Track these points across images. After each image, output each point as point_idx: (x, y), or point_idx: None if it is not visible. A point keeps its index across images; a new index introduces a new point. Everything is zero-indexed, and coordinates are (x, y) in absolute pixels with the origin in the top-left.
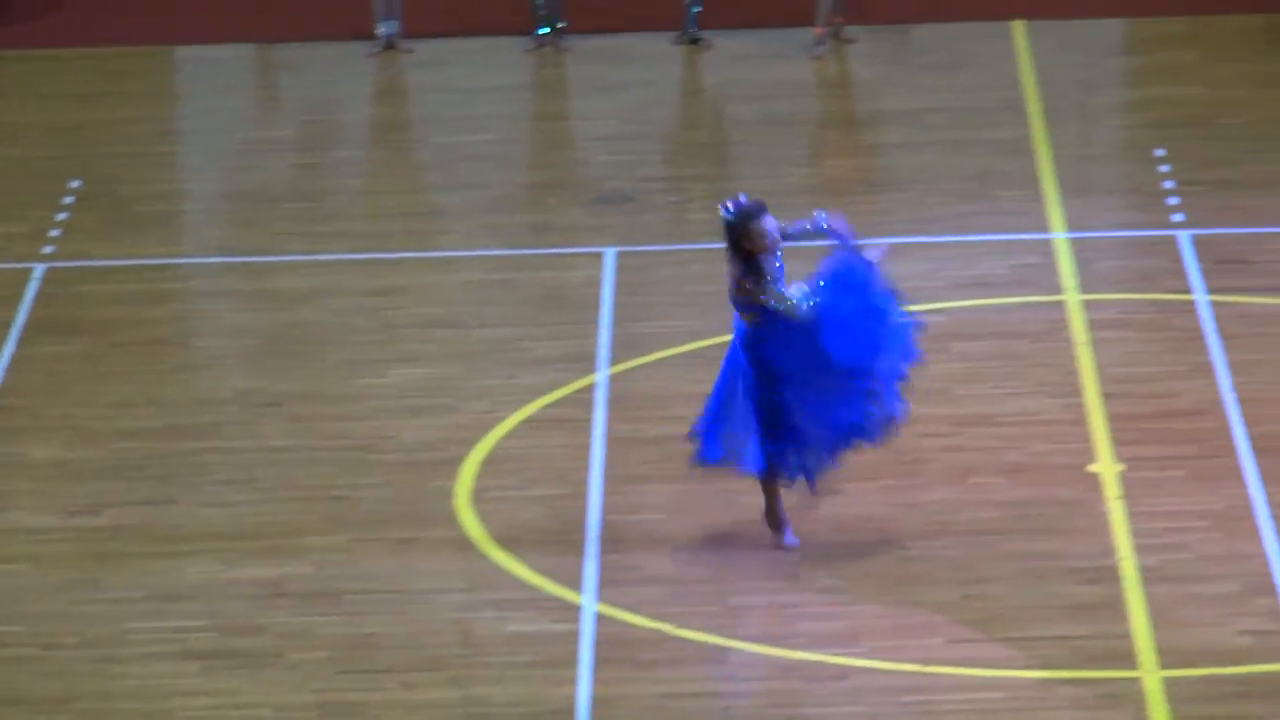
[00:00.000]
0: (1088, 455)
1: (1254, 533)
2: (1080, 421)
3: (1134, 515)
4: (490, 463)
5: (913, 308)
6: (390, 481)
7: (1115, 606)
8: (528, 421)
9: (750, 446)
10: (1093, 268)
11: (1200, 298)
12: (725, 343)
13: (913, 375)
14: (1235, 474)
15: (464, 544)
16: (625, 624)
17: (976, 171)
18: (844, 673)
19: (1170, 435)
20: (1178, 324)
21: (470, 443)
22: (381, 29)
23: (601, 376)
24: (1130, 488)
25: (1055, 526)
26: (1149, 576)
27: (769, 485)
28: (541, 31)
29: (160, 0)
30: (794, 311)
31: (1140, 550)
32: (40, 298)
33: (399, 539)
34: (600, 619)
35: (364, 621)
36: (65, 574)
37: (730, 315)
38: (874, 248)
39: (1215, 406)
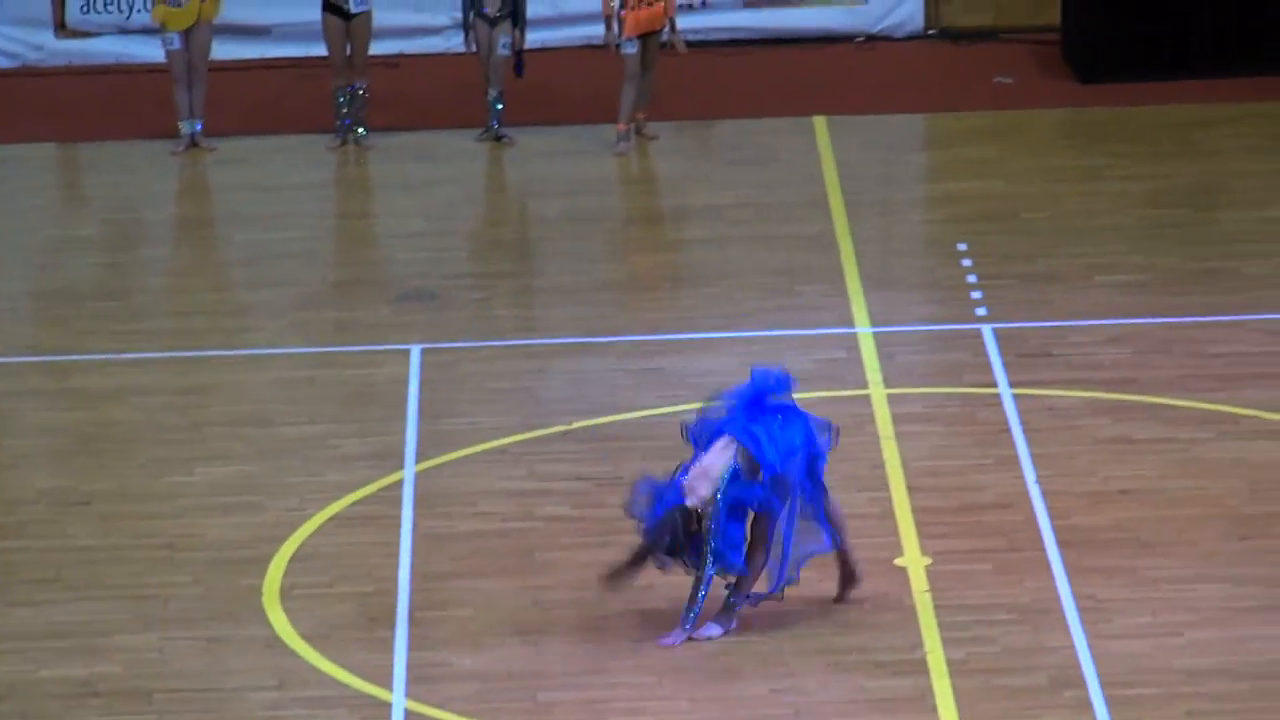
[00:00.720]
0: (895, 549)
1: (1061, 625)
2: (887, 515)
3: (941, 608)
4: (299, 560)
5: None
6: (199, 580)
7: (924, 699)
8: (335, 519)
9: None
10: (897, 362)
11: (1004, 391)
12: (530, 439)
13: None
14: (1042, 566)
15: (273, 642)
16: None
17: (781, 266)
18: None
19: (977, 528)
20: (982, 417)
21: (279, 540)
22: (185, 127)
23: (409, 473)
24: (937, 581)
25: (863, 620)
26: (957, 669)
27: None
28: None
29: None
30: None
31: (948, 643)
32: None
33: (209, 637)
34: (410, 716)
35: None
36: None
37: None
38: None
39: (1021, 499)
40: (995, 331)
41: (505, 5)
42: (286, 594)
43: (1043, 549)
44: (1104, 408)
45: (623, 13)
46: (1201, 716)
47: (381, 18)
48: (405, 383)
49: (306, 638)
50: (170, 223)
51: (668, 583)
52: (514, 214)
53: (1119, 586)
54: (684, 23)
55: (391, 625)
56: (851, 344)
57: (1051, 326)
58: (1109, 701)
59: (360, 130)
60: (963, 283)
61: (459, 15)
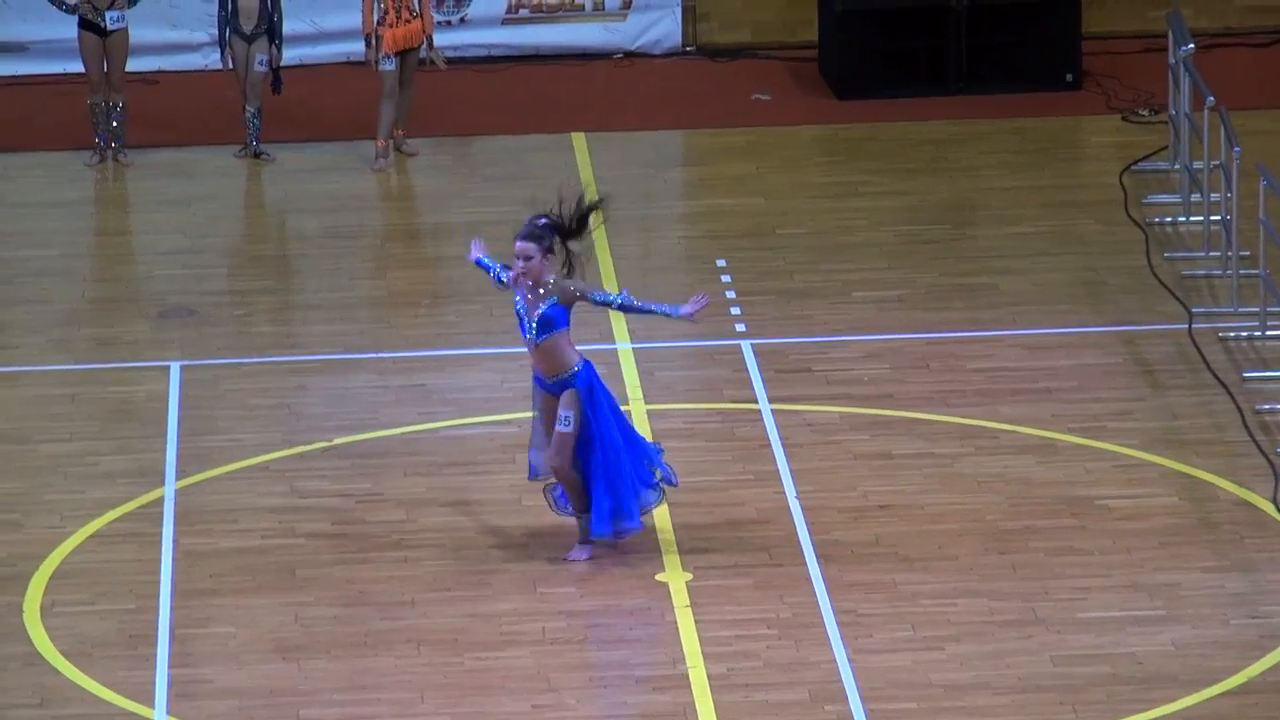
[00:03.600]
0: (656, 564)
1: (822, 640)
2: (648, 530)
3: (702, 623)
4: (59, 577)
5: (480, 419)
6: None
7: (686, 715)
8: (96, 536)
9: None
10: (656, 377)
11: (764, 406)
12: (292, 455)
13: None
14: (803, 581)
15: (34, 659)
16: None
17: None
18: None
19: (737, 543)
20: (742, 433)
21: (38, 558)
22: None
23: (169, 490)
24: (698, 596)
25: (624, 636)
26: (718, 684)
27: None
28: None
29: None
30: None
31: (709, 658)
32: None
33: None
34: None
35: None
36: None
37: None
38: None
39: (781, 514)
40: (754, 347)
41: (262, 22)
42: (47, 611)
43: (804, 563)
44: (863, 423)
45: (381, 29)
46: None
47: (139, 34)
48: (165, 399)
49: (68, 655)
50: None
51: (426, 600)
52: (273, 230)
53: (879, 601)
54: (443, 39)
55: (153, 642)
56: (611, 359)
57: (810, 342)
58: (870, 716)
59: (118, 146)
60: (722, 298)
61: (215, 32)
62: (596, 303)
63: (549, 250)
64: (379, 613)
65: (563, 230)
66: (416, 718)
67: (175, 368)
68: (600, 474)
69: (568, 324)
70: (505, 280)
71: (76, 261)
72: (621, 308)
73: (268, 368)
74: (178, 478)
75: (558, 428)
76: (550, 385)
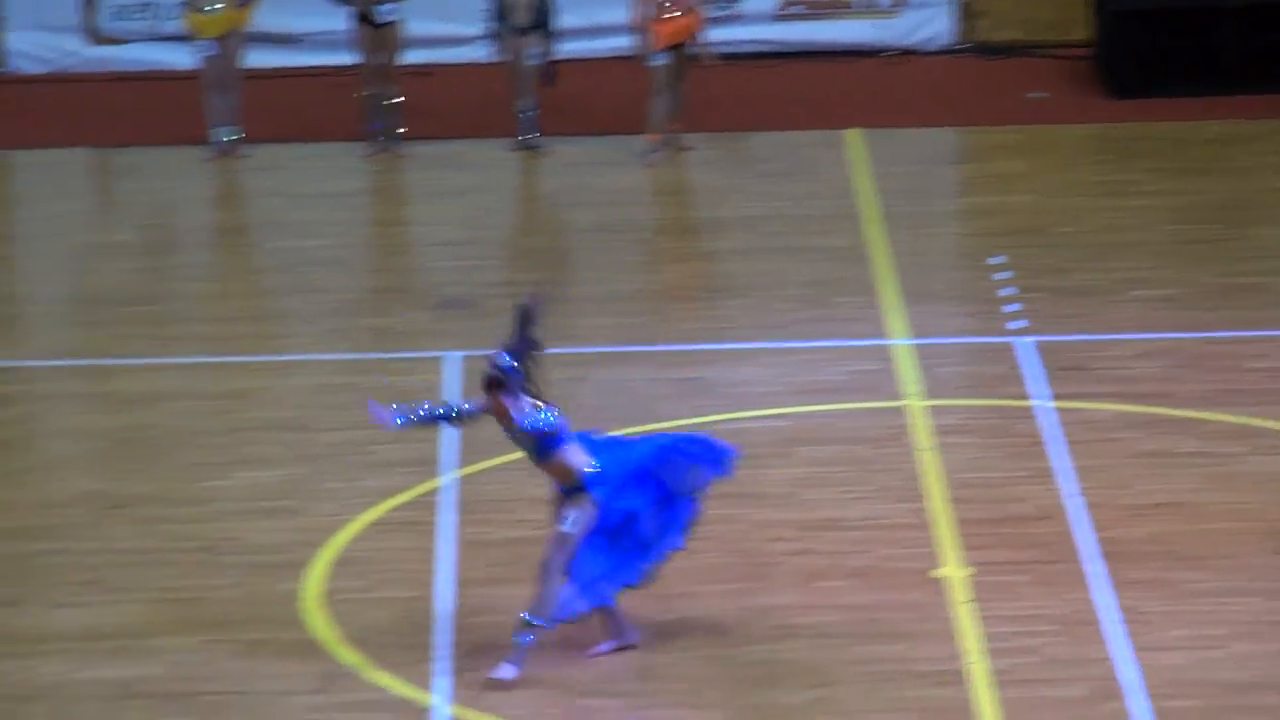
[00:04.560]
0: (933, 560)
1: (1100, 637)
2: (926, 526)
3: (982, 619)
4: (338, 565)
5: (756, 413)
6: (239, 583)
7: (964, 710)
8: (374, 524)
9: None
10: (933, 374)
11: (1040, 404)
12: None
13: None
14: (1081, 579)
15: (313, 646)
16: None
17: (815, 278)
18: None
19: (1016, 540)
20: (1019, 429)
21: (317, 545)
22: (216, 134)
23: (447, 480)
24: (977, 592)
25: (903, 630)
26: (998, 680)
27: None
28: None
29: None
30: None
31: (989, 653)
32: None
33: (249, 640)
34: None
35: None
36: None
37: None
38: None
39: (1059, 511)
40: (1031, 344)
41: (535, 16)
42: (326, 599)
43: (1081, 561)
44: (1140, 421)
45: (652, 24)
46: None
47: (412, 27)
48: (439, 390)
49: (347, 642)
50: (205, 229)
51: (706, 593)
52: (546, 223)
53: (1157, 599)
54: (716, 35)
55: (431, 631)
56: (887, 356)
57: (1086, 340)
58: (1155, 714)
59: (393, 139)
60: (997, 295)
61: (488, 25)
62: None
63: (520, 388)
64: (659, 604)
65: (521, 351)
66: (696, 709)
67: (451, 358)
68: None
69: (565, 439)
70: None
71: (352, 252)
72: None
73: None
74: (456, 467)
75: (560, 527)
76: (567, 490)
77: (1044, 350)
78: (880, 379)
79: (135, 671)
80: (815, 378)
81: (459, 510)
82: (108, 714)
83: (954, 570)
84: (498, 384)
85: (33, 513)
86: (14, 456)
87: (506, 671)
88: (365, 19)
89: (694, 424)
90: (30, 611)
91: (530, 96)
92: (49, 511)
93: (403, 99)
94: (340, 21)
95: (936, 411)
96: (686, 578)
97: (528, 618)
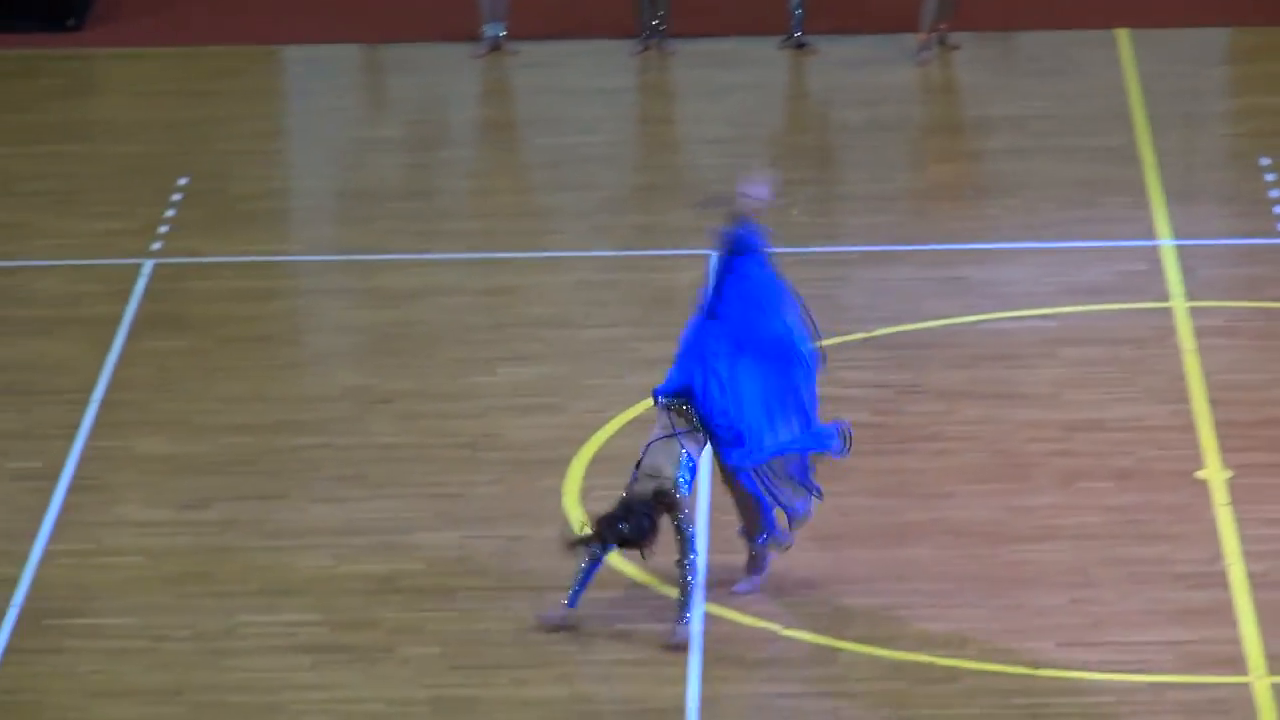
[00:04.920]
0: (1195, 461)
1: None
2: (1188, 428)
3: (1242, 521)
4: (599, 462)
5: (1021, 313)
6: (500, 480)
7: (1223, 612)
8: (635, 421)
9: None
10: (1199, 275)
11: None
12: (832, 346)
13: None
14: None
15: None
16: (734, 623)
17: (1083, 178)
18: (953, 674)
19: (1278, 443)
20: None
21: (579, 442)
22: (488, 30)
23: None
24: (1238, 494)
25: (1163, 532)
26: (1257, 582)
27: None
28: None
29: (268, 1)
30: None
31: (1248, 556)
32: (149, 294)
33: (510, 536)
34: (709, 618)
35: (475, 618)
36: (176, 567)
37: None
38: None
39: None
40: None
41: None
42: (586, 495)
43: None
44: None
45: None
46: None
47: None
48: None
49: None
50: (473, 125)
51: (967, 493)
52: (814, 121)
53: None
54: None
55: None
56: (1153, 257)
57: None
58: None
59: (662, 35)
60: (1265, 197)
61: None
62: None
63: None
64: (917, 503)
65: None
66: (954, 608)
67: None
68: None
69: (690, 486)
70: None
71: (621, 149)
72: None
73: (809, 258)
74: None
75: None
76: None
77: None
78: (1146, 280)
79: (395, 566)
80: (1081, 278)
81: None
82: (368, 608)
83: (1214, 472)
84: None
85: (296, 407)
86: (279, 351)
87: (747, 585)
88: None
89: (960, 323)
90: (292, 506)
91: None
92: (313, 406)
93: None
94: None
95: (1201, 313)
96: (947, 477)
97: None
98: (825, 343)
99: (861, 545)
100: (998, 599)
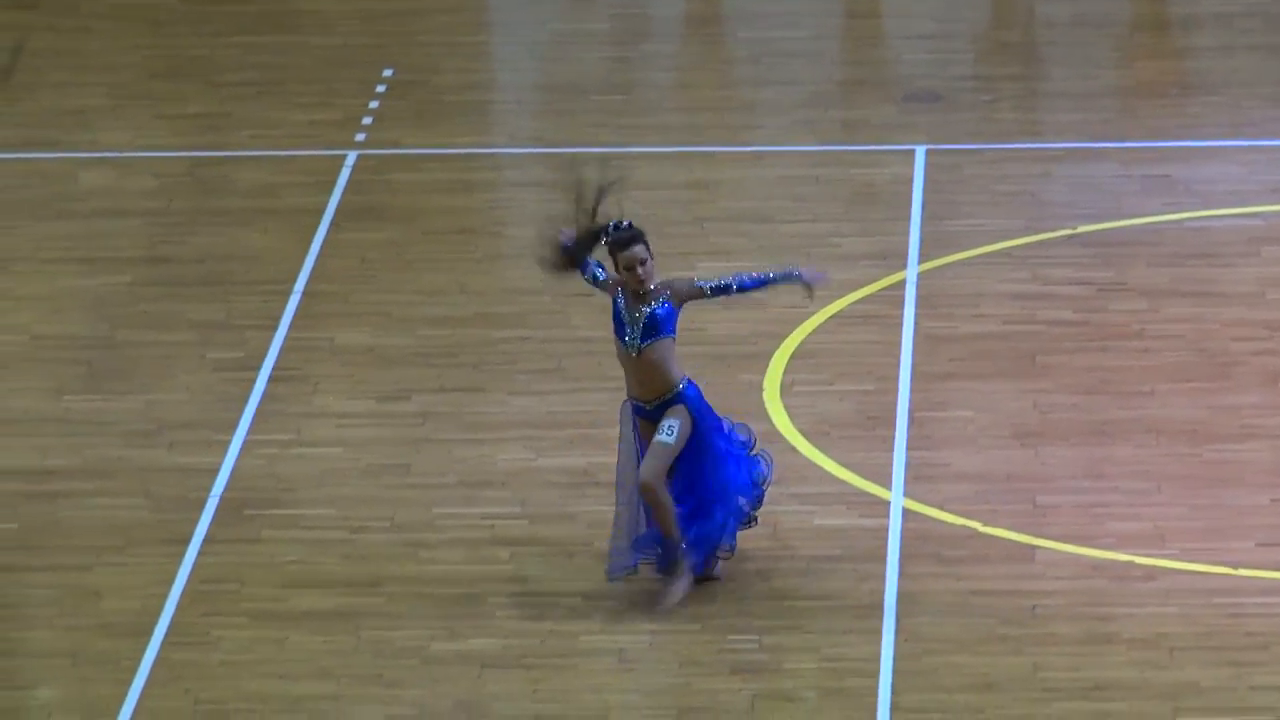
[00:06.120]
0: None
1: None
2: None
3: None
4: (799, 357)
5: (1226, 211)
6: (699, 374)
7: None
8: (837, 317)
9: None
10: None
11: None
12: (1034, 243)
13: None
14: None
15: (772, 437)
16: (933, 520)
17: None
18: (1152, 573)
19: None
20: None
21: (779, 337)
22: None
23: (910, 274)
24: None
25: None
26: None
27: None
28: None
29: None
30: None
31: None
32: (351, 185)
33: None
34: (908, 515)
35: None
36: (375, 458)
37: None
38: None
39: None
40: None
41: None
42: (786, 390)
43: None
44: None
45: None
46: None
47: None
48: (909, 183)
49: (806, 434)
50: (677, 18)
51: (1168, 391)
52: (1021, 17)
53: None
54: None
55: (891, 424)
56: None
57: None
58: None
59: None
60: None
61: None
62: (714, 291)
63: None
64: (1118, 401)
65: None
66: (1152, 507)
67: (920, 151)
68: (706, 490)
69: (675, 330)
70: (603, 278)
71: (825, 43)
72: (741, 288)
73: (1012, 154)
74: (919, 261)
75: (659, 437)
76: (650, 409)
77: None
78: None
79: (593, 460)
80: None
81: (921, 304)
82: (567, 500)
83: None
84: (642, 238)
85: (496, 300)
86: (480, 243)
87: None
88: None
89: (1163, 221)
90: (491, 398)
91: None
92: (512, 299)
93: None
94: None
95: None
96: (1149, 375)
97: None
98: (1028, 239)
99: (1062, 443)
100: (1198, 498)
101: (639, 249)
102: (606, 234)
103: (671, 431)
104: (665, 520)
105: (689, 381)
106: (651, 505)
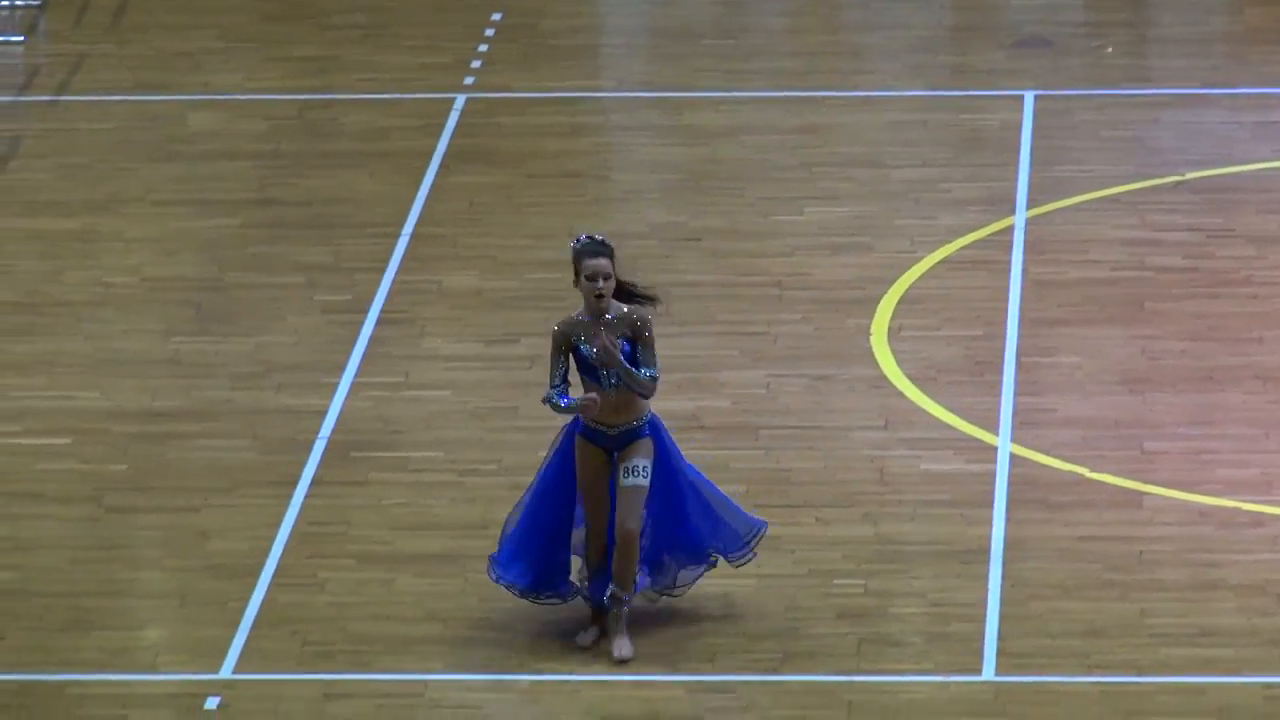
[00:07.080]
0: None
1: None
2: None
3: None
4: (907, 302)
5: None
6: (807, 318)
7: None
8: (945, 262)
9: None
10: None
11: None
12: (1143, 189)
13: None
14: None
15: (880, 382)
16: (1040, 465)
17: None
18: (1259, 520)
19: None
20: None
21: (887, 282)
22: None
23: (1019, 219)
24: None
25: None
26: None
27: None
28: None
29: None
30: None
31: None
32: (460, 128)
33: (816, 375)
34: (1015, 460)
35: (780, 456)
36: (483, 401)
37: None
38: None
39: None
40: None
41: None
42: (894, 335)
43: None
44: None
45: None
46: None
47: None
48: (1018, 129)
49: (913, 379)
50: None
51: (1277, 339)
52: None
53: None
54: None
55: (998, 370)
56: None
57: None
58: None
59: None
60: None
61: None
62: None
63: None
64: (1227, 348)
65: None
66: (1260, 454)
67: (1029, 97)
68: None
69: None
70: (565, 404)
71: None
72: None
73: (1121, 100)
74: (1028, 207)
75: (635, 480)
76: (614, 435)
77: None
78: None
79: (701, 404)
80: None
81: (1029, 249)
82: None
83: None
84: (608, 251)
85: None
86: (588, 187)
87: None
88: None
89: (1273, 168)
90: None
91: None
92: (621, 242)
93: None
94: None
95: None
96: (1258, 322)
97: (618, 593)
98: (1136, 185)
99: (1169, 389)
100: None
101: (604, 262)
102: (578, 243)
103: (646, 473)
104: (630, 572)
105: (652, 413)
106: (628, 555)
